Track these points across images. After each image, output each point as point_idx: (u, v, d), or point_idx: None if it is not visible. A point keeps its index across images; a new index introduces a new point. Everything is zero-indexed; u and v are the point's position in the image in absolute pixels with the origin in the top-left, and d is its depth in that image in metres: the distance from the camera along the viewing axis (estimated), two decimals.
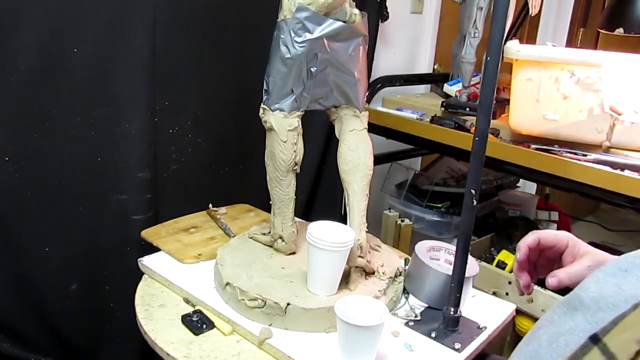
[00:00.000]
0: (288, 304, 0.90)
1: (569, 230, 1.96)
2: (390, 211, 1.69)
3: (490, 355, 1.00)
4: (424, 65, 2.07)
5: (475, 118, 0.88)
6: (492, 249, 1.61)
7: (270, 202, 1.06)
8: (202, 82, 1.33)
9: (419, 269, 1.03)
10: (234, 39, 1.35)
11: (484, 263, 1.47)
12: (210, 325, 0.91)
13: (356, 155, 1.03)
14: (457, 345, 0.89)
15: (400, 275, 1.06)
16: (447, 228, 1.73)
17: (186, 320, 0.92)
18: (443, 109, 1.56)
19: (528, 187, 2.20)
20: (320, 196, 1.71)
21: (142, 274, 1.09)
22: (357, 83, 1.02)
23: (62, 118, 1.13)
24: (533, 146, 1.26)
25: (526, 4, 1.50)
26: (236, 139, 1.44)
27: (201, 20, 1.27)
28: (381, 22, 1.73)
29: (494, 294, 1.29)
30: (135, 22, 1.15)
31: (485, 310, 1.02)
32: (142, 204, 1.26)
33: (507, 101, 1.39)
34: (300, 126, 1.00)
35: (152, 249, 1.16)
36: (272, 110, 0.98)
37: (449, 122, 1.43)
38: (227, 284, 0.95)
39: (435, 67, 2.11)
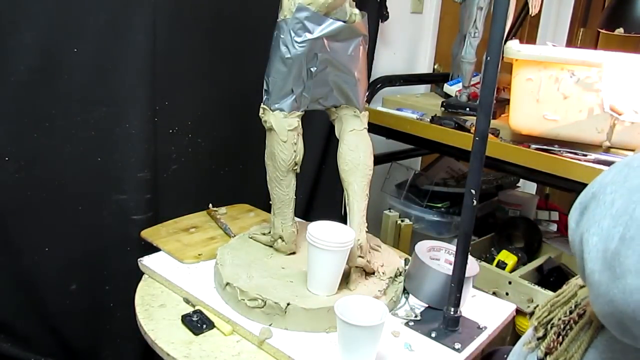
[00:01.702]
0: (288, 304, 0.90)
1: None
2: (390, 211, 1.69)
3: (499, 349, 1.01)
4: (424, 65, 2.07)
5: (475, 118, 0.88)
6: (492, 249, 1.61)
7: (270, 202, 1.06)
8: (202, 82, 1.33)
9: (419, 269, 1.03)
10: (234, 39, 1.35)
11: (484, 263, 1.47)
12: (210, 325, 0.91)
13: (356, 155, 1.03)
14: (457, 345, 0.89)
15: (400, 275, 1.06)
16: (447, 228, 1.73)
17: (186, 320, 0.92)
18: (443, 109, 1.56)
19: (528, 187, 2.19)
20: (320, 196, 1.70)
21: (142, 274, 1.09)
22: (357, 83, 1.02)
23: (62, 118, 1.13)
24: (533, 146, 1.26)
25: (526, 4, 1.50)
26: (236, 139, 1.44)
27: (201, 20, 1.27)
28: (381, 22, 1.73)
29: (494, 294, 1.30)
30: (135, 22, 1.15)
31: (485, 310, 1.02)
32: (142, 204, 1.26)
33: (507, 101, 1.39)
34: (300, 126, 1.00)
35: (152, 249, 1.16)
36: (272, 110, 0.98)
37: (449, 122, 1.43)
38: (227, 284, 0.95)
39: (435, 67, 2.11)
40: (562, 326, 0.61)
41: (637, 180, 0.45)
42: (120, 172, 1.22)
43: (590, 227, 0.46)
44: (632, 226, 0.42)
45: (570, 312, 0.62)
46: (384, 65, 1.88)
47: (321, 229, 0.93)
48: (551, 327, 0.63)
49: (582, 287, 0.64)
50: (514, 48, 1.23)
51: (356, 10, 0.98)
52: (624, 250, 0.42)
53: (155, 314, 0.95)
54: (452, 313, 0.93)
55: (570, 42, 2.56)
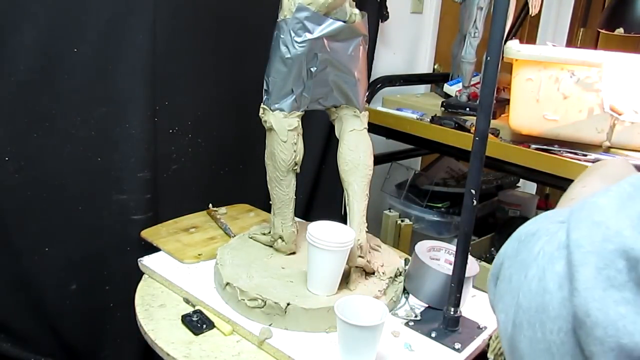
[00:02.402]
0: (288, 304, 0.90)
1: None
2: (390, 211, 1.69)
3: None
4: (424, 65, 2.07)
5: (475, 118, 0.88)
6: (492, 249, 1.61)
7: (270, 202, 1.06)
8: (202, 82, 1.33)
9: (419, 269, 1.03)
10: (234, 39, 1.35)
11: (484, 263, 1.47)
12: (210, 325, 0.91)
13: (356, 155, 1.03)
14: (457, 345, 0.89)
15: (400, 275, 1.06)
16: (447, 228, 1.73)
17: (186, 320, 0.92)
18: (443, 109, 1.56)
19: (528, 187, 2.19)
20: (320, 196, 1.70)
21: (142, 274, 1.09)
22: (357, 83, 1.02)
23: (62, 118, 1.13)
24: (533, 146, 1.26)
25: (526, 4, 1.50)
26: (236, 139, 1.44)
27: (201, 20, 1.27)
28: (381, 22, 1.73)
29: None
30: (135, 22, 1.15)
31: (485, 310, 1.02)
32: (142, 204, 1.26)
33: (507, 101, 1.39)
34: (300, 126, 1.00)
35: (152, 249, 1.16)
36: (272, 110, 0.98)
37: (449, 122, 1.43)
38: (227, 284, 0.95)
39: (435, 67, 2.11)
40: None
41: (524, 254, 0.42)
42: (120, 172, 1.22)
43: (498, 303, 0.44)
44: (518, 312, 0.40)
45: None
46: (384, 65, 1.88)
47: (321, 229, 0.93)
48: (505, 358, 0.63)
49: None
50: (514, 48, 1.23)
51: (356, 10, 0.98)
52: (516, 334, 0.40)
53: (155, 314, 0.95)
54: (452, 313, 0.93)
55: (570, 42, 2.56)
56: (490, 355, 0.65)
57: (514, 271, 0.42)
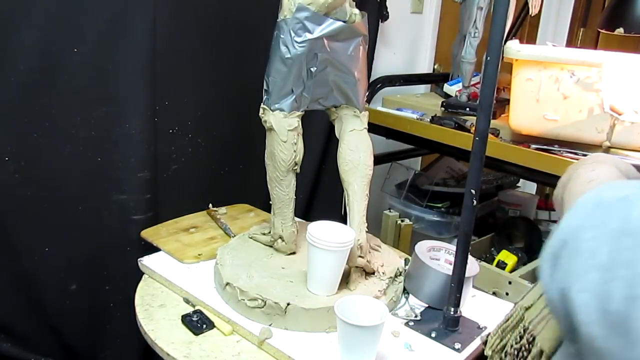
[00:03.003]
0: (288, 304, 0.90)
1: None
2: (390, 211, 1.69)
3: None
4: (424, 65, 2.07)
5: (475, 118, 0.88)
6: (492, 249, 1.61)
7: (270, 202, 1.06)
8: (202, 82, 1.33)
9: (419, 269, 1.03)
10: (234, 39, 1.35)
11: (484, 263, 1.47)
12: (210, 325, 0.91)
13: (356, 155, 1.03)
14: (457, 345, 0.89)
15: (400, 275, 1.06)
16: (447, 228, 1.73)
17: (186, 320, 0.92)
18: (443, 109, 1.56)
19: (528, 187, 2.19)
20: (320, 196, 1.71)
21: (142, 274, 1.09)
22: (357, 83, 1.02)
23: (62, 118, 1.13)
24: (533, 146, 1.26)
25: (526, 4, 1.50)
26: (236, 139, 1.44)
27: (201, 20, 1.27)
28: (381, 22, 1.73)
29: (494, 294, 1.29)
30: (135, 22, 1.15)
31: (485, 310, 1.02)
32: (142, 204, 1.26)
33: (507, 101, 1.39)
34: (300, 126, 1.00)
35: (152, 249, 1.16)
36: (272, 110, 0.98)
37: (449, 122, 1.43)
38: (227, 284, 0.95)
39: (435, 67, 2.11)
40: (515, 353, 0.60)
41: (616, 222, 0.37)
42: (120, 172, 1.22)
43: (574, 283, 0.38)
44: (638, 281, 0.35)
45: (520, 338, 0.60)
46: (384, 65, 1.88)
47: (321, 229, 0.93)
48: (505, 355, 0.62)
49: (527, 309, 0.62)
50: (514, 48, 1.23)
51: (356, 10, 0.98)
52: (633, 312, 0.35)
53: (155, 314, 0.95)
54: (452, 313, 0.93)
55: (570, 42, 2.56)
56: (488, 352, 0.65)
57: (602, 242, 0.37)
